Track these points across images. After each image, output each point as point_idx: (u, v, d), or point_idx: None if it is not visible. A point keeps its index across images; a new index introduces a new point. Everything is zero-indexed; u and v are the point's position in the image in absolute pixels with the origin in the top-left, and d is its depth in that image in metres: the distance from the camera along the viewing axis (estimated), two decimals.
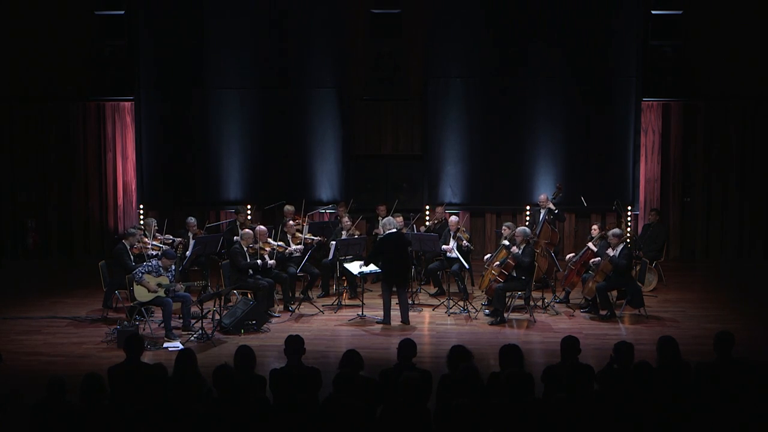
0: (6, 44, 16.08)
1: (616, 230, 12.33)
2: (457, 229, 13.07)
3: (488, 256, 12.84)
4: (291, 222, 13.42)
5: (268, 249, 12.48)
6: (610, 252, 12.06)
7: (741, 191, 15.97)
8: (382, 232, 13.48)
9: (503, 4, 15.72)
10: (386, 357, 9.78)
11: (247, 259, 12.17)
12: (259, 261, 12.16)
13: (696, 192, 16.06)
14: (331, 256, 13.07)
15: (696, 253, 16.11)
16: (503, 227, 12.53)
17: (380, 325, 11.85)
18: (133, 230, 12.48)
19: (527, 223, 14.58)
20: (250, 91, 16.17)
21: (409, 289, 13.61)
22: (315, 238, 13.41)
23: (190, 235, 13.87)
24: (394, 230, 12.12)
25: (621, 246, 12.14)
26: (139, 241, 12.44)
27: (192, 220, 14.06)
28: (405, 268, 12.25)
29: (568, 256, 13.14)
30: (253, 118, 16.22)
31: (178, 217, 15.21)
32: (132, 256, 12.08)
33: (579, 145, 15.89)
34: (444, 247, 12.94)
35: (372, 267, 12.55)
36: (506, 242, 12.15)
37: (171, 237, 13.59)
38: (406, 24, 15.61)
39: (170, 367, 7.08)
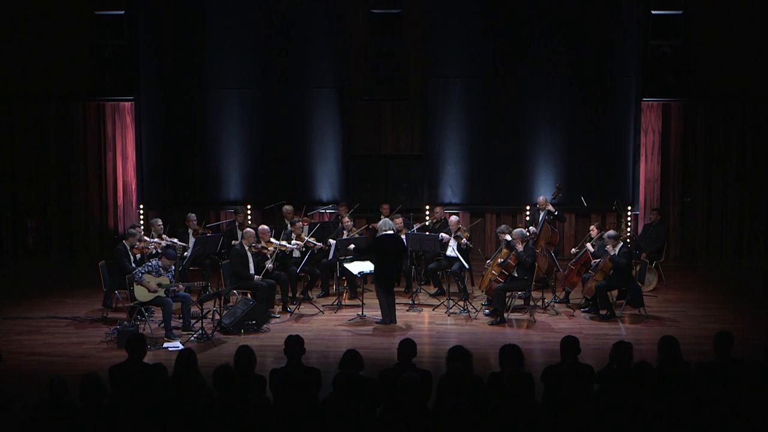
0: (6, 44, 16.08)
1: (611, 232, 12.32)
2: (458, 229, 13.09)
3: (489, 260, 12.85)
4: (299, 223, 13.43)
5: (270, 248, 12.47)
6: (610, 250, 12.07)
7: (741, 191, 15.97)
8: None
9: (503, 4, 15.73)
10: (386, 357, 9.78)
11: (249, 260, 12.16)
12: (257, 277, 12.07)
13: (696, 192, 16.06)
14: (331, 256, 13.07)
15: (696, 253, 16.12)
16: (499, 232, 12.54)
17: (380, 325, 11.86)
18: (133, 230, 12.42)
19: (527, 223, 14.56)
20: (250, 91, 16.17)
21: (411, 290, 13.70)
22: (317, 244, 13.34)
23: (190, 231, 13.86)
24: (391, 232, 12.11)
25: (620, 245, 12.15)
26: (140, 241, 12.40)
27: (192, 215, 14.06)
28: (396, 272, 12.18)
29: (573, 250, 13.11)
30: (253, 118, 16.22)
31: (178, 217, 15.22)
32: (133, 257, 12.04)
33: (579, 145, 15.89)
34: (442, 235, 12.96)
35: (372, 267, 12.55)
36: (509, 237, 12.15)
37: (176, 241, 13.43)
38: (406, 24, 15.63)
39: (170, 367, 7.08)
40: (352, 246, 12.75)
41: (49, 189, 16.46)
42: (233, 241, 13.40)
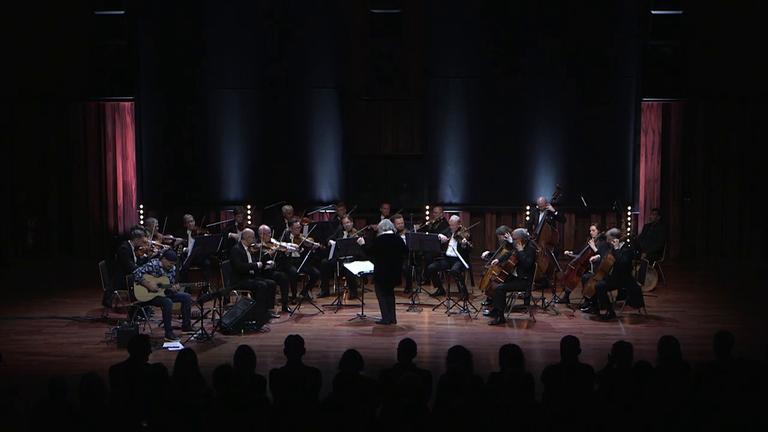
0: (6, 44, 16.07)
1: (614, 230, 12.35)
2: (458, 229, 13.10)
3: (487, 253, 12.87)
4: (297, 223, 13.44)
5: (272, 249, 12.46)
6: (614, 245, 12.07)
7: (741, 191, 15.96)
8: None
9: (503, 4, 15.72)
10: (386, 357, 9.79)
11: (248, 260, 12.16)
12: (258, 263, 12.12)
13: (696, 192, 16.06)
14: (331, 256, 13.07)
15: (696, 253, 16.11)
16: (499, 233, 12.54)
17: (380, 325, 11.85)
18: (139, 231, 12.42)
19: (527, 222, 14.57)
20: (250, 91, 16.16)
21: (411, 290, 13.70)
22: (315, 244, 13.34)
23: (189, 233, 13.86)
24: (390, 232, 12.12)
25: (621, 244, 12.16)
26: (144, 243, 12.39)
27: (189, 216, 14.05)
28: (396, 272, 12.19)
29: (566, 252, 13.17)
30: (253, 118, 16.22)
31: (178, 217, 15.22)
32: (136, 258, 12.03)
33: (579, 145, 15.88)
34: (440, 236, 12.96)
35: (372, 267, 12.55)
36: (510, 237, 12.14)
37: (172, 237, 13.57)
38: (406, 24, 15.62)
39: (170, 367, 7.08)
40: (361, 240, 12.81)
41: (49, 189, 16.45)
42: (231, 233, 13.44)
